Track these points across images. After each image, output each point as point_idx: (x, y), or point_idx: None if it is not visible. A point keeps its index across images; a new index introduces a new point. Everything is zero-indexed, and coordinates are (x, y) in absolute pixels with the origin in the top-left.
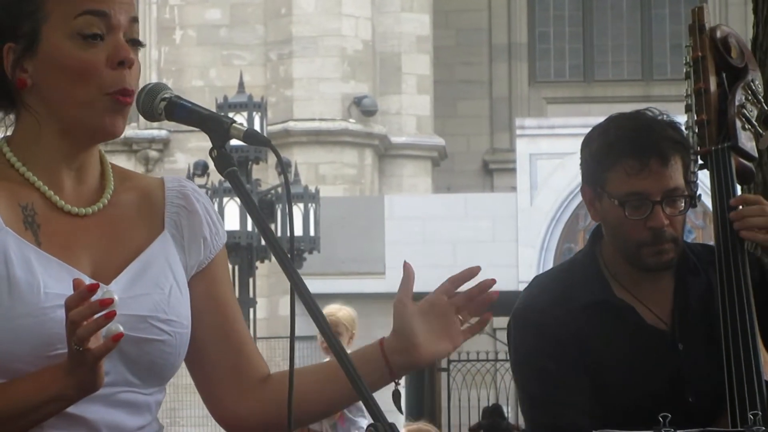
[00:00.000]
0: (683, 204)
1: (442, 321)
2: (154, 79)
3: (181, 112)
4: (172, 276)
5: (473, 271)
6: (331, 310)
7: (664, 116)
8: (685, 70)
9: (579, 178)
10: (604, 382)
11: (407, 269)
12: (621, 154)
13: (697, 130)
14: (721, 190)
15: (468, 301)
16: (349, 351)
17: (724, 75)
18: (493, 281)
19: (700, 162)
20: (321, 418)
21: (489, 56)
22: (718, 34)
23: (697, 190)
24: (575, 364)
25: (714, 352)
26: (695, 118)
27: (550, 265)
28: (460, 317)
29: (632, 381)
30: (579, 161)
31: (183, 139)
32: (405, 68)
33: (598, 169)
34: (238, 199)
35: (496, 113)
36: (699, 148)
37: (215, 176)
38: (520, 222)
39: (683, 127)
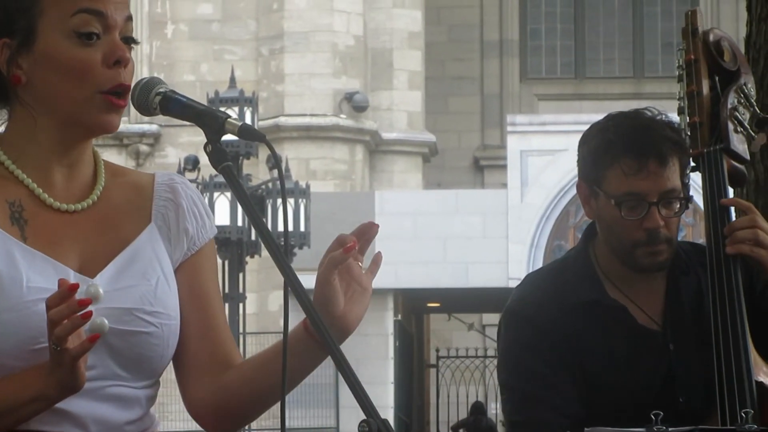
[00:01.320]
0: (679, 206)
1: (352, 274)
2: (145, 74)
3: (176, 106)
4: (159, 268)
5: (346, 238)
6: None
7: (663, 116)
8: (677, 73)
9: (570, 175)
10: (595, 382)
11: (347, 245)
12: (619, 153)
13: (689, 133)
14: (713, 193)
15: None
16: None
17: (716, 78)
18: (372, 224)
19: (692, 164)
20: (262, 407)
21: (480, 53)
22: (711, 37)
23: (689, 191)
24: (565, 364)
25: (705, 352)
26: (688, 120)
27: (540, 262)
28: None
29: (624, 381)
30: (576, 157)
31: (174, 133)
32: (396, 64)
33: (596, 167)
34: (228, 194)
35: (487, 110)
36: (691, 151)
37: (206, 171)
38: (511, 218)
39: None
